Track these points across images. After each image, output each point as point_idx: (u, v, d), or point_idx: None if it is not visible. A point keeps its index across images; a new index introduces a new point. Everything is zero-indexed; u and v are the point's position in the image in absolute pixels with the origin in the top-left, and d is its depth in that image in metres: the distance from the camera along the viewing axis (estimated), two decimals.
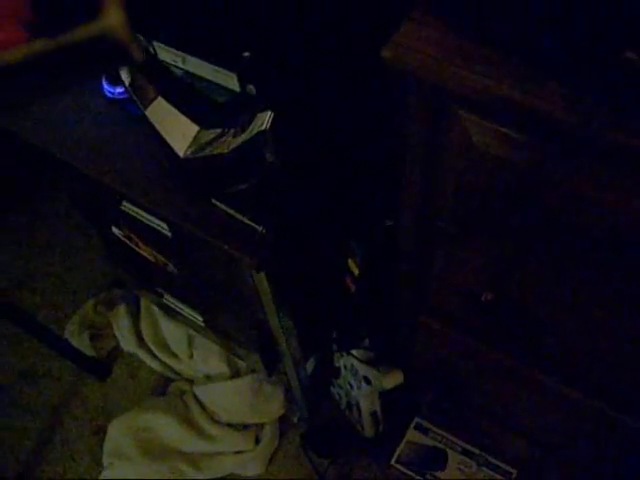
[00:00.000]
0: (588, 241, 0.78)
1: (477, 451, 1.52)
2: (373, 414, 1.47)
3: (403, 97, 0.75)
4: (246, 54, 0.85)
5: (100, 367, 1.73)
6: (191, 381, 1.68)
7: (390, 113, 0.85)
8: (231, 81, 0.88)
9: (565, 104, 0.63)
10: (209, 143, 0.94)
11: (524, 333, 1.03)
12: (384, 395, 1.45)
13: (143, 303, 1.75)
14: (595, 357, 0.99)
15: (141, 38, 0.90)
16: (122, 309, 1.76)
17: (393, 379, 1.38)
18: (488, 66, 0.66)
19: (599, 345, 0.96)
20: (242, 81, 0.87)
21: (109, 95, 1.14)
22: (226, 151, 0.91)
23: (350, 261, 1.27)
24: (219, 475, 1.57)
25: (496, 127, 0.72)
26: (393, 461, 1.52)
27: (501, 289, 0.96)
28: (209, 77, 0.91)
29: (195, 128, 0.95)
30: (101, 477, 1.57)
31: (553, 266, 0.86)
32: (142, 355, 1.72)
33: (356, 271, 1.27)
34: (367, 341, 1.41)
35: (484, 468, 1.51)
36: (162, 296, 1.49)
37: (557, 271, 0.87)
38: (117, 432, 1.59)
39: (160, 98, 0.96)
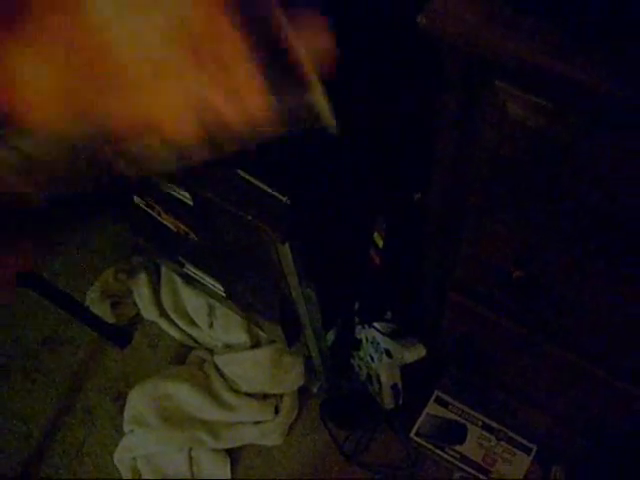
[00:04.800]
0: (621, 220, 0.76)
1: (497, 426, 1.51)
2: (393, 387, 1.47)
3: (438, 67, 0.72)
4: None
5: (121, 335, 1.73)
6: (211, 350, 1.68)
7: (423, 84, 0.83)
8: None
9: (605, 77, 0.60)
10: None
11: (552, 311, 1.01)
12: (405, 368, 1.44)
13: (164, 271, 1.75)
14: (623, 337, 0.98)
15: None
16: (143, 277, 1.76)
17: (415, 353, 1.37)
18: (528, 34, 0.63)
19: (628, 325, 0.94)
20: None
21: None
22: None
23: (376, 234, 1.25)
24: (238, 444, 1.57)
25: (533, 99, 0.69)
26: (412, 433, 1.52)
27: (530, 266, 0.94)
28: None
29: None
30: (122, 443, 1.58)
31: (583, 243, 0.84)
32: (162, 323, 1.72)
33: (381, 243, 1.25)
34: (389, 314, 1.40)
35: (504, 443, 1.50)
36: (183, 265, 1.48)
37: (587, 249, 0.84)
38: (137, 399, 1.59)
39: None
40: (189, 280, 1.56)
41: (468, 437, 1.51)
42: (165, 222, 1.27)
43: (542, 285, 0.96)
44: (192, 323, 1.70)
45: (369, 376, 1.51)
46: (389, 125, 1.14)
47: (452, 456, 1.49)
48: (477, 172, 0.83)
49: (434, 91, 0.76)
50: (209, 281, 1.46)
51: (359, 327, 1.43)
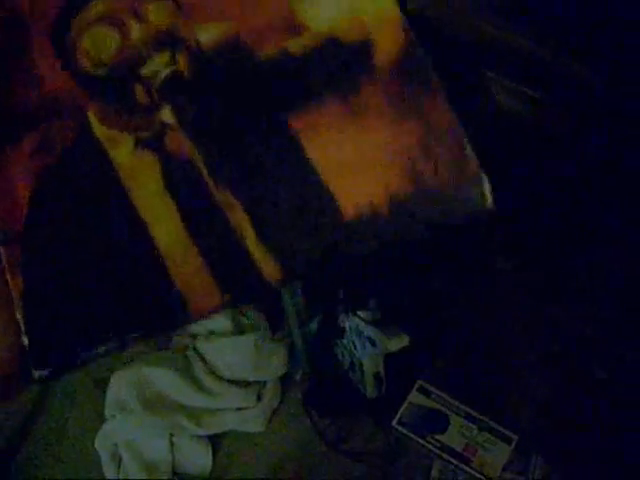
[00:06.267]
0: None
1: (479, 415, 1.52)
2: (376, 375, 1.47)
3: None
4: None
5: None
6: (194, 336, 1.67)
7: None
8: None
9: None
10: None
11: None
12: (388, 356, 1.44)
13: None
14: None
15: None
16: None
17: (398, 341, 1.37)
18: None
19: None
20: None
21: None
22: None
23: None
24: (220, 431, 1.57)
25: None
26: (394, 422, 1.52)
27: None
28: None
29: None
30: (103, 429, 1.58)
31: None
32: None
33: None
34: (373, 302, 1.39)
35: (485, 432, 1.50)
36: None
37: None
38: (119, 385, 1.58)
39: None
40: None
41: (450, 426, 1.51)
42: None
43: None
44: None
45: (352, 364, 1.50)
46: None
47: (434, 445, 1.49)
48: None
49: None
50: None
51: (342, 315, 1.43)
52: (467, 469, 1.46)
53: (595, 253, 1.16)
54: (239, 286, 0.27)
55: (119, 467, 1.56)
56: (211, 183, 0.26)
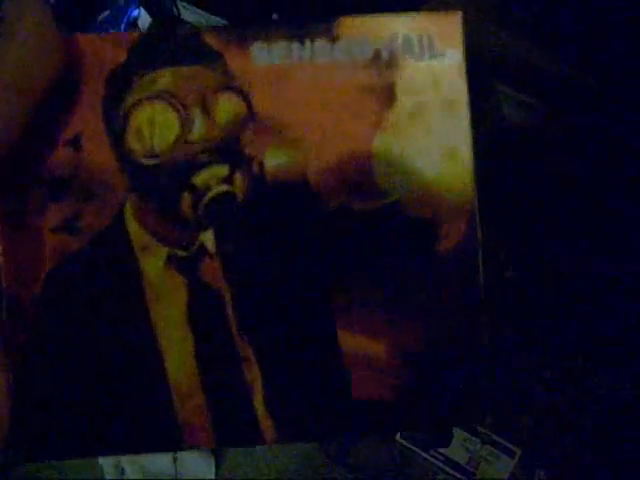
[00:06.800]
0: None
1: (482, 429, 1.52)
2: None
3: None
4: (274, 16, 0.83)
5: None
6: None
7: None
8: None
9: None
10: None
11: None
12: None
13: None
14: None
15: None
16: None
17: None
18: None
19: None
20: None
21: None
22: None
23: None
24: None
25: None
26: (398, 436, 1.52)
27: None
28: None
29: None
30: None
31: None
32: None
33: None
34: None
35: (488, 446, 1.51)
36: None
37: None
38: None
39: None
40: None
41: (453, 440, 1.52)
42: None
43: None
44: None
45: None
46: None
47: (437, 459, 1.49)
48: None
49: None
50: None
51: None
52: None
53: (598, 260, 1.17)
54: (234, 437, 0.27)
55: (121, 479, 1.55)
56: (234, 329, 0.25)
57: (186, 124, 0.27)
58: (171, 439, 0.30)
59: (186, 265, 0.27)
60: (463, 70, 0.31)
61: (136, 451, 0.31)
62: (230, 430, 0.30)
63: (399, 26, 0.28)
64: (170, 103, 0.27)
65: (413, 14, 0.28)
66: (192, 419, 0.30)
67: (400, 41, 0.28)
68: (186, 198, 0.28)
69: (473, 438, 1.51)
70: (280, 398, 0.28)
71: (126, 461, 1.55)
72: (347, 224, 0.28)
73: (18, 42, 0.23)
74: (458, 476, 1.47)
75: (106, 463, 1.56)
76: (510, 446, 1.50)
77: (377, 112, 0.29)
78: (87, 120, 0.28)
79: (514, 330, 1.26)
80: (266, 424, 0.29)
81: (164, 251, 0.28)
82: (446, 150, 0.29)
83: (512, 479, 1.46)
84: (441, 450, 1.50)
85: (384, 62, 0.29)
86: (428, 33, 0.29)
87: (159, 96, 0.28)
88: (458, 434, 1.51)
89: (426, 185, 0.28)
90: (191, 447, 0.30)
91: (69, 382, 0.28)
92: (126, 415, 0.29)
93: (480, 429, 1.51)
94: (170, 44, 0.28)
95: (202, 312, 0.28)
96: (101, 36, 0.28)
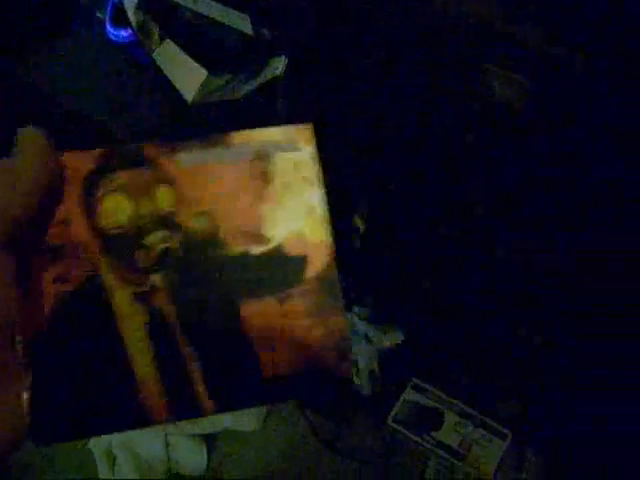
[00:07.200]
0: None
1: (473, 412, 1.53)
2: (371, 372, 1.47)
3: None
4: None
5: None
6: None
7: None
8: (244, 24, 0.85)
9: None
10: (219, 89, 0.91)
11: None
12: (382, 354, 1.44)
13: None
14: None
15: None
16: None
17: (393, 338, 1.38)
18: None
19: None
20: (255, 24, 0.84)
21: (113, 39, 1.11)
22: (237, 97, 0.89)
23: (355, 217, 1.26)
24: (215, 430, 1.57)
25: None
26: (389, 420, 1.52)
27: None
28: (221, 19, 0.88)
29: (204, 73, 0.92)
30: None
31: None
32: None
33: (362, 227, 1.26)
34: (369, 299, 1.40)
35: (480, 429, 1.51)
36: None
37: None
38: None
39: (168, 41, 0.93)
40: None
41: (444, 423, 1.52)
42: None
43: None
44: None
45: None
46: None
47: (429, 442, 1.50)
48: None
49: None
50: None
51: None
52: (462, 465, 1.46)
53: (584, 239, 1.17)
54: (182, 411, 0.40)
55: (113, 467, 1.55)
56: (178, 335, 0.39)
57: (137, 205, 0.42)
58: (137, 417, 0.41)
59: (144, 298, 0.42)
60: (316, 158, 0.46)
61: (116, 430, 0.42)
62: (179, 406, 0.42)
63: (272, 134, 0.45)
64: (126, 193, 0.43)
65: (283, 127, 0.45)
66: (151, 401, 0.42)
67: (273, 144, 0.45)
68: (140, 254, 0.42)
69: (464, 421, 1.51)
70: (212, 379, 0.42)
71: (118, 447, 1.55)
72: (247, 262, 0.43)
73: (28, 161, 0.38)
74: (450, 458, 1.48)
75: (98, 451, 1.56)
76: (501, 429, 1.50)
77: (260, 189, 0.45)
78: (72, 208, 0.42)
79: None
80: (205, 399, 0.42)
81: (130, 289, 0.42)
82: (307, 208, 0.45)
83: (504, 461, 1.46)
84: (432, 433, 1.51)
85: (263, 157, 0.45)
86: (291, 136, 0.46)
87: (118, 189, 0.42)
88: (449, 417, 1.52)
89: (296, 232, 0.45)
90: (153, 423, 0.41)
91: (66, 377, 0.41)
92: (105, 402, 0.41)
93: (471, 412, 1.51)
94: (124, 153, 0.44)
95: (156, 327, 0.42)
96: (77, 152, 0.43)
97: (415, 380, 1.56)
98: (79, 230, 0.42)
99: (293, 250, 0.44)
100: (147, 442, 1.55)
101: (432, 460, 1.50)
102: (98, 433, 0.42)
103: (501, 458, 1.46)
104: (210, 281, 0.43)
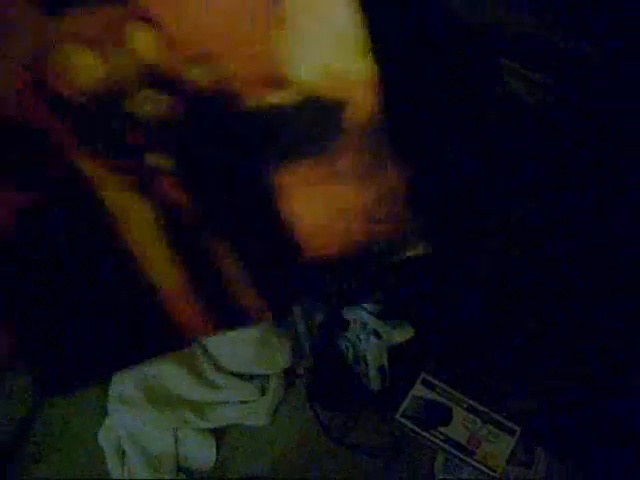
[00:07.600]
0: None
1: (482, 408, 1.52)
2: (380, 368, 1.47)
3: None
4: None
5: None
6: None
7: None
8: None
9: None
10: None
11: None
12: (391, 349, 1.44)
13: None
14: None
15: None
16: None
17: (403, 334, 1.38)
18: None
19: None
20: None
21: None
22: None
23: None
24: (224, 424, 1.57)
25: None
26: (398, 415, 1.52)
27: None
28: None
29: None
30: (106, 423, 1.57)
31: None
32: None
33: None
34: (378, 294, 1.40)
35: (488, 425, 1.51)
36: None
37: None
38: (123, 378, 1.58)
39: None
40: None
41: (453, 419, 1.52)
42: None
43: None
44: None
45: (356, 357, 1.51)
46: None
47: (437, 437, 1.49)
48: None
49: None
50: None
51: (347, 308, 1.43)
52: (471, 461, 1.46)
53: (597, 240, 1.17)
54: (224, 318, 0.29)
55: (123, 461, 1.55)
56: (203, 231, 0.26)
57: (107, 60, 0.27)
58: (173, 339, 0.30)
59: (144, 187, 0.28)
60: None
61: (146, 358, 0.31)
62: (220, 313, 0.30)
63: None
64: (88, 44, 0.26)
65: None
66: (185, 315, 0.30)
67: None
68: (124, 127, 0.28)
69: (473, 417, 1.51)
70: (255, 273, 0.29)
71: (127, 443, 1.55)
72: (269, 116, 0.29)
73: None
74: (458, 454, 1.47)
75: (107, 446, 1.56)
76: (510, 425, 1.50)
77: (266, 10, 0.28)
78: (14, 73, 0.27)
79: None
80: (250, 300, 0.29)
81: (122, 178, 0.28)
82: (336, 34, 0.28)
83: (513, 457, 1.46)
84: (441, 429, 1.50)
85: None
86: None
87: (72, 38, 0.26)
88: (458, 413, 1.51)
89: (325, 68, 0.30)
90: (193, 340, 0.30)
91: (63, 312, 0.29)
92: (130, 330, 0.30)
93: (480, 408, 1.51)
94: None
95: (169, 222, 0.28)
96: None
97: (424, 376, 1.56)
98: (30, 107, 0.24)
99: (323, 92, 0.28)
100: (156, 436, 1.55)
101: (440, 455, 1.50)
102: (123, 366, 0.32)
103: (510, 454, 1.45)
104: (227, 149, 0.27)
